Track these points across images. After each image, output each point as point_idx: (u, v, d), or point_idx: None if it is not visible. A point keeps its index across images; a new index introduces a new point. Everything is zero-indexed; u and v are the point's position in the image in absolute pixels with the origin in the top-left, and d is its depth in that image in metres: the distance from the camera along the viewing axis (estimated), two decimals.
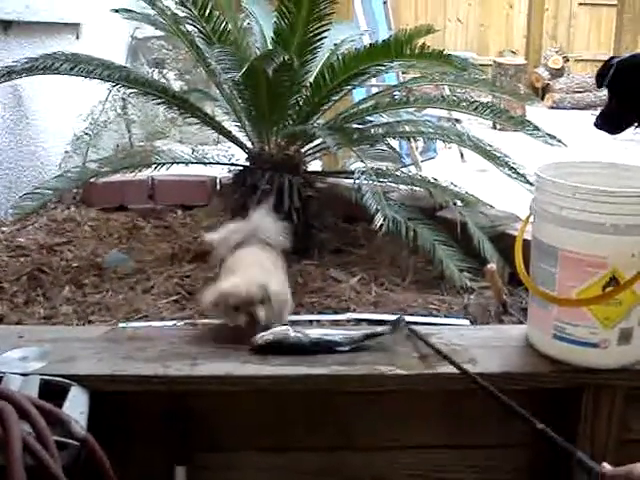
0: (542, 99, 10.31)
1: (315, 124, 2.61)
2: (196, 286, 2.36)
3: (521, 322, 2.13)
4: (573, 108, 10.00)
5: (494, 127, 7.17)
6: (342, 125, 2.61)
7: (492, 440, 1.81)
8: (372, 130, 2.80)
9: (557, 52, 11.23)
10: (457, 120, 5.06)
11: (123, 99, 4.22)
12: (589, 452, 1.72)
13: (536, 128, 2.61)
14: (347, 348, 1.71)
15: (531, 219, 1.78)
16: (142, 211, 3.25)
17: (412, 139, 3.17)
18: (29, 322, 2.14)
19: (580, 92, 10.27)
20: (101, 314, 2.20)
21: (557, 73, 10.91)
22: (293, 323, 2.07)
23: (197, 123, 3.13)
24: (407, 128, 2.87)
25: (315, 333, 1.76)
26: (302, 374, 1.65)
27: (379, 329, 1.77)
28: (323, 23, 2.37)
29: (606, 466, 1.29)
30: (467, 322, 2.12)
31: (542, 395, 1.74)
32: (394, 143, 3.31)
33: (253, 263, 1.89)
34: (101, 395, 1.61)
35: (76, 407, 1.55)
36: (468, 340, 1.83)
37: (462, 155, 5.45)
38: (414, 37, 2.29)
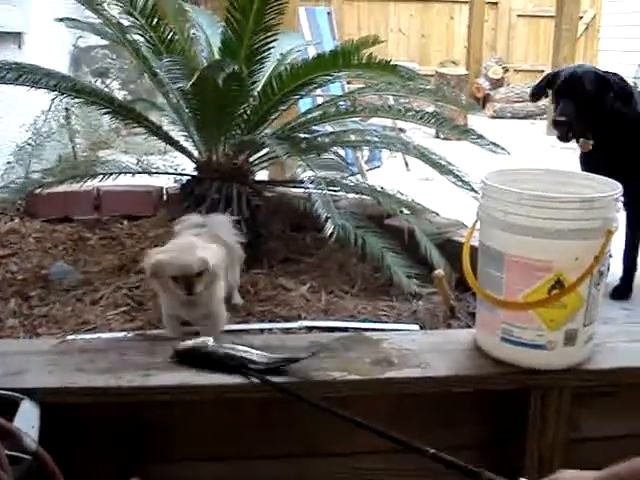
0: (483, 109, 10.50)
1: (263, 134, 2.62)
2: (145, 296, 2.35)
3: (469, 326, 2.18)
4: (513, 117, 10.23)
5: (437, 136, 7.28)
6: (290, 135, 2.63)
7: (442, 443, 1.84)
8: (319, 139, 2.82)
9: (497, 63, 11.48)
10: (401, 129, 5.13)
11: (66, 109, 4.17)
12: (538, 454, 1.78)
13: (480, 137, 2.67)
14: (261, 367, 1.67)
15: (477, 225, 1.82)
16: (88, 222, 3.21)
17: (358, 148, 3.21)
18: None
19: (519, 102, 10.50)
20: (49, 327, 2.17)
21: (497, 83, 11.14)
22: (244, 332, 2.08)
23: (144, 133, 3.11)
24: (354, 137, 2.91)
25: (234, 348, 1.73)
26: (257, 382, 1.65)
27: (302, 354, 1.72)
28: (270, 33, 2.38)
29: None
30: (416, 327, 2.16)
31: (491, 397, 1.78)
32: (340, 152, 3.35)
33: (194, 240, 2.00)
34: (53, 408, 1.59)
35: (27, 421, 1.53)
36: (418, 345, 1.86)
37: (407, 164, 5.52)
38: (361, 47, 2.33)
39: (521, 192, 1.64)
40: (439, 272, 2.22)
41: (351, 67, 2.33)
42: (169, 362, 1.73)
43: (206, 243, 2.00)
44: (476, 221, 1.83)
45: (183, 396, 1.65)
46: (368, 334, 1.95)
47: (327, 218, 2.03)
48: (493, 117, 10.04)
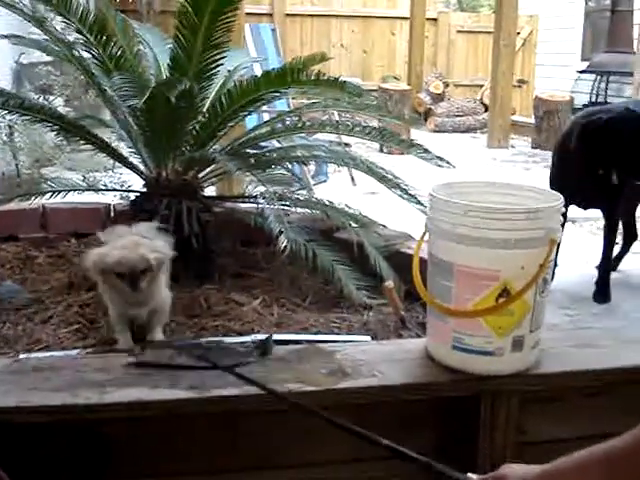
0: (424, 123, 10.69)
1: (212, 149, 2.64)
2: (97, 314, 2.34)
3: (419, 336, 2.23)
4: (454, 131, 10.44)
5: (381, 150, 7.40)
6: (240, 150, 2.66)
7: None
8: (268, 155, 2.86)
9: (437, 77, 11.70)
10: (347, 144, 5.20)
11: (9, 126, 4.11)
12: (489, 457, 1.83)
13: (426, 150, 2.74)
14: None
15: (426, 237, 1.87)
16: (34, 240, 3.17)
17: (305, 163, 3.25)
18: None
19: (460, 116, 10.74)
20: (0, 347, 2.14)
21: (438, 98, 11.37)
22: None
23: (90, 150, 3.09)
24: (302, 152, 2.95)
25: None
26: (214, 396, 1.67)
27: (250, 358, 1.81)
28: (219, 50, 2.41)
29: (472, 476, 1.34)
30: (368, 338, 2.19)
31: (443, 404, 1.83)
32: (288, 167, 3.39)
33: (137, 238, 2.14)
34: (9, 428, 1.58)
35: None
36: (371, 355, 1.90)
37: (352, 178, 5.60)
38: (308, 64, 2.37)
39: (468, 204, 1.70)
40: (389, 283, 2.27)
41: (300, 84, 2.37)
42: (126, 376, 1.74)
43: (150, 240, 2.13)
44: (425, 233, 1.89)
45: (140, 412, 1.66)
46: (321, 346, 1.98)
47: (280, 232, 2.06)
48: (435, 131, 10.23)
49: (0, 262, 2.89)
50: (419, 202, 2.77)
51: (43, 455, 1.67)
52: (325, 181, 5.39)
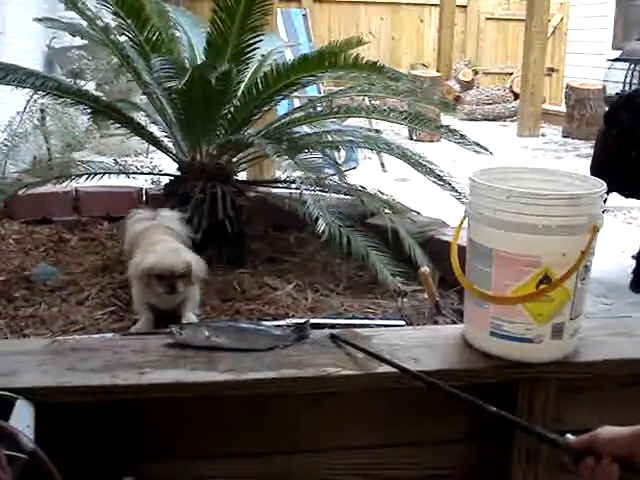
0: (457, 109, 10.60)
1: (247, 134, 2.64)
2: (131, 297, 2.35)
3: (454, 322, 2.22)
4: (484, 119, 10.34)
5: (410, 138, 7.35)
6: (274, 135, 2.65)
7: (430, 436, 1.88)
8: (302, 140, 2.84)
9: (467, 65, 11.59)
10: (377, 131, 5.17)
11: (41, 110, 4.13)
12: (526, 445, 1.81)
13: (463, 137, 2.71)
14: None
15: (465, 223, 1.85)
16: (67, 223, 3.19)
17: (338, 148, 3.23)
18: None
19: (490, 104, 10.63)
20: (36, 327, 2.16)
21: (467, 86, 11.26)
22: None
23: (124, 134, 3.12)
24: (334, 138, 2.93)
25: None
26: (251, 379, 1.67)
27: (287, 342, 1.82)
28: (255, 34, 2.40)
29: (570, 437, 1.37)
30: (403, 323, 2.18)
31: (480, 391, 1.80)
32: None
33: (171, 241, 2.24)
34: (47, 407, 1.59)
35: (22, 420, 1.53)
36: (407, 340, 1.88)
37: (383, 165, 5.56)
38: (345, 48, 2.35)
39: (511, 189, 1.67)
40: (425, 269, 2.25)
41: (337, 68, 2.35)
42: (164, 358, 1.74)
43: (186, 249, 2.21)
44: (464, 218, 1.87)
45: (178, 393, 1.66)
46: (358, 330, 1.97)
47: (319, 217, 2.05)
48: (464, 119, 10.13)
49: (34, 244, 2.92)
50: (454, 189, 2.74)
51: (79, 432, 1.68)
52: (355, 167, 5.35)
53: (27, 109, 4.09)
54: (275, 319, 2.20)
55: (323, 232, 2.06)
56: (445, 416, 1.82)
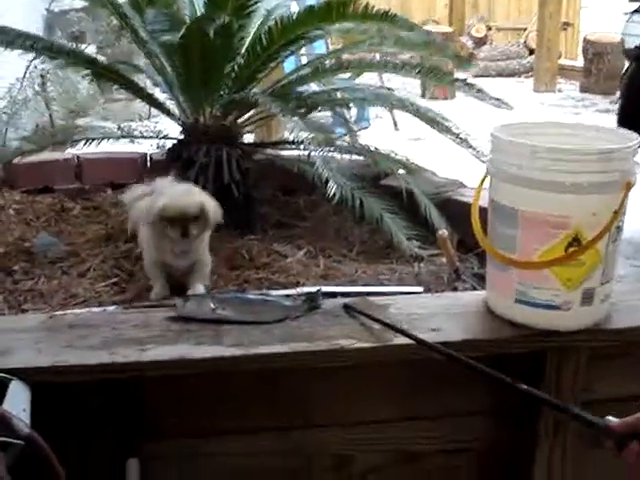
0: (471, 63, 10.36)
1: (252, 93, 2.50)
2: (135, 267, 2.24)
3: (474, 288, 2.10)
4: (498, 75, 10.10)
5: (423, 96, 7.18)
6: (281, 93, 2.51)
7: (451, 409, 1.77)
8: (310, 98, 2.70)
9: (480, 21, 11.32)
10: (389, 89, 5.00)
11: (42, 75, 4.00)
12: (553, 419, 1.70)
13: (480, 91, 2.56)
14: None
15: (486, 182, 1.73)
16: (69, 192, 3.08)
17: (348, 107, 3.09)
18: None
19: (504, 60, 10.38)
20: (34, 302, 2.06)
21: (480, 42, 11.00)
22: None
23: (124, 99, 3.00)
24: (345, 95, 2.79)
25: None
26: (260, 353, 1.56)
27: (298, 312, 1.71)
28: None
29: (611, 419, 1.24)
30: (421, 289, 2.06)
31: (504, 361, 1.69)
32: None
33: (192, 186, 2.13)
34: (43, 388, 1.50)
35: (17, 403, 1.44)
36: (426, 308, 1.77)
37: (395, 124, 5.41)
38: None
39: (536, 145, 1.54)
40: (443, 232, 2.13)
41: (346, 19, 2.21)
42: (166, 333, 1.64)
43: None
44: (485, 177, 1.74)
45: (182, 370, 1.56)
46: (372, 299, 1.86)
47: (329, 179, 1.93)
48: (477, 76, 9.89)
49: (35, 214, 2.81)
50: (472, 147, 2.60)
51: (78, 413, 1.58)
52: (367, 127, 5.19)
53: (27, 75, 3.95)
54: (285, 288, 2.09)
55: (334, 195, 1.93)
56: (465, 388, 1.71)
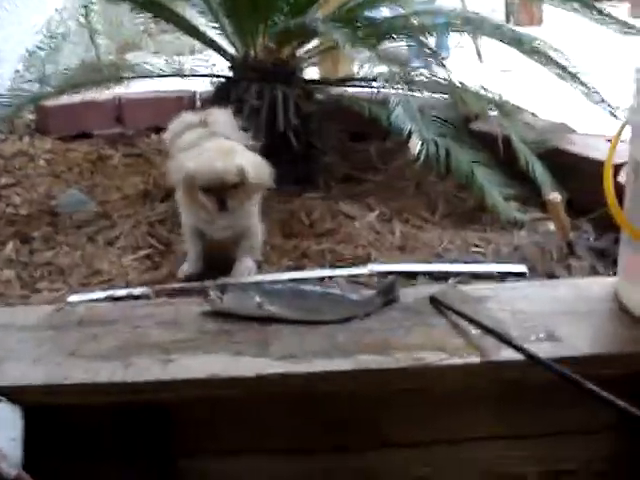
0: None
1: (313, 19, 2.04)
2: (172, 234, 1.86)
3: (594, 269, 1.65)
4: None
5: (507, 20, 6.56)
6: (348, 18, 2.04)
7: (558, 428, 1.36)
8: (383, 24, 2.22)
9: None
10: (476, 13, 4.43)
11: (85, 6, 3.59)
12: None
13: (601, 12, 2.04)
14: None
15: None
16: (109, 137, 2.72)
17: (428, 34, 2.58)
18: None
19: None
20: (51, 280, 1.70)
21: None
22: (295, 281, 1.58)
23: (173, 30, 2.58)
24: (424, 21, 2.30)
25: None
26: (318, 371, 1.17)
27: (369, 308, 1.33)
28: None
29: None
30: (524, 269, 1.63)
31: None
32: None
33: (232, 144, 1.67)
34: (39, 411, 1.16)
35: (5, 432, 1.13)
36: (539, 303, 1.36)
37: (479, 54, 4.86)
38: None
39: None
40: (555, 196, 1.68)
41: None
42: (199, 336, 1.27)
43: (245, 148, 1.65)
44: (622, 128, 1.28)
45: (216, 391, 1.19)
46: (466, 289, 1.44)
47: (413, 131, 1.49)
48: None
49: (67, 165, 2.45)
50: (583, 83, 2.11)
51: (80, 445, 1.24)
52: (446, 57, 4.64)
53: (68, 5, 3.56)
54: (353, 264, 1.68)
55: (419, 153, 1.50)
56: (580, 405, 1.29)
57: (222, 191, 1.54)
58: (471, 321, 1.26)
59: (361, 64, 1.84)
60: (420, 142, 1.51)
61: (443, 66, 2.07)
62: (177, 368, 1.19)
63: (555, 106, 2.63)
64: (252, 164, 1.58)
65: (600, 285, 1.41)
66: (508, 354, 1.18)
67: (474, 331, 1.25)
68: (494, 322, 1.26)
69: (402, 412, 1.29)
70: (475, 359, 1.19)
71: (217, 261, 1.68)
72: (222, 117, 1.92)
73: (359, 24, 2.02)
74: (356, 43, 1.67)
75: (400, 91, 1.65)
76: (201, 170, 1.54)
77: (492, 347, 1.21)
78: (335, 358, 1.19)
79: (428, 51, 2.10)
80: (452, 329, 1.27)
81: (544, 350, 1.19)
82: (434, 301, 1.33)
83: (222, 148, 1.61)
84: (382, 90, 1.76)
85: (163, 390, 1.17)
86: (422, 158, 1.64)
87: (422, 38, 2.16)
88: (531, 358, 1.16)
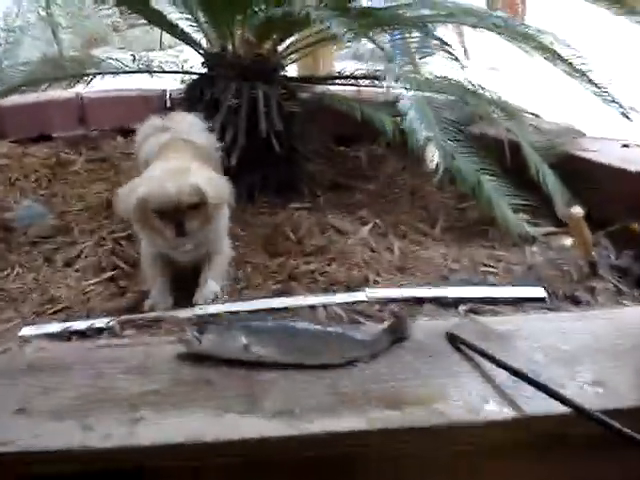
0: None
1: (299, 7, 1.83)
2: (140, 253, 1.64)
3: (617, 289, 1.46)
4: None
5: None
6: (337, 7, 1.82)
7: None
8: (378, 14, 2.01)
9: None
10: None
11: None
12: None
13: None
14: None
15: None
16: (70, 140, 2.50)
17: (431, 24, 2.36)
18: None
19: None
20: (0, 307, 1.48)
21: None
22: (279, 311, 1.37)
23: (142, 24, 2.35)
24: (425, 12, 2.09)
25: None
26: (318, 435, 0.96)
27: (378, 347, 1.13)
28: None
29: None
30: (542, 293, 1.43)
31: None
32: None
33: (177, 157, 1.54)
34: None
35: None
36: (573, 339, 1.17)
37: (466, 51, 4.68)
38: None
39: None
40: (578, 210, 1.49)
41: None
42: (173, 387, 1.05)
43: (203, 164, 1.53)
44: None
45: (194, 461, 0.97)
46: (483, 320, 1.24)
47: (429, 139, 1.29)
48: None
49: (23, 172, 2.22)
50: (591, 81, 1.93)
51: None
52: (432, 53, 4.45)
53: None
54: (349, 289, 1.47)
55: (437, 167, 1.29)
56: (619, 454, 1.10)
57: (178, 214, 1.39)
58: (499, 364, 1.06)
59: (368, 58, 1.64)
60: (438, 153, 1.29)
61: (456, 59, 1.87)
62: (147, 429, 0.97)
63: (555, 106, 2.46)
64: (208, 182, 1.45)
65: (633, 313, 1.23)
66: (547, 405, 0.99)
67: (502, 374, 1.05)
68: (525, 364, 1.06)
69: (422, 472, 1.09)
70: (507, 414, 0.98)
71: (184, 284, 1.47)
72: (186, 120, 1.78)
73: (353, 12, 1.80)
74: (358, 32, 1.45)
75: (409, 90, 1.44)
76: (153, 193, 1.39)
77: (526, 396, 1.01)
78: (342, 415, 0.98)
79: (437, 42, 1.89)
80: (474, 372, 1.07)
81: (589, 400, 0.99)
82: (452, 338, 1.13)
83: (173, 168, 1.46)
84: (379, 90, 1.56)
85: (130, 458, 0.96)
86: (441, 172, 1.42)
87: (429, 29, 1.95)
88: (577, 410, 0.96)
